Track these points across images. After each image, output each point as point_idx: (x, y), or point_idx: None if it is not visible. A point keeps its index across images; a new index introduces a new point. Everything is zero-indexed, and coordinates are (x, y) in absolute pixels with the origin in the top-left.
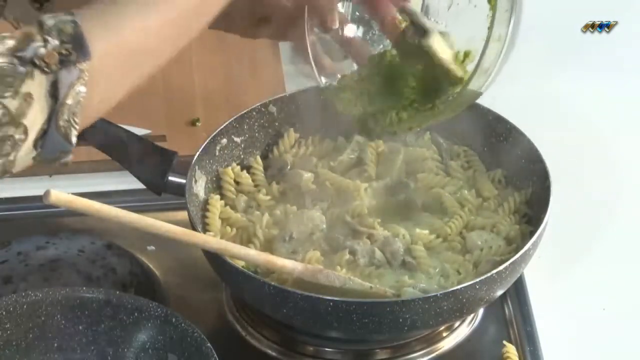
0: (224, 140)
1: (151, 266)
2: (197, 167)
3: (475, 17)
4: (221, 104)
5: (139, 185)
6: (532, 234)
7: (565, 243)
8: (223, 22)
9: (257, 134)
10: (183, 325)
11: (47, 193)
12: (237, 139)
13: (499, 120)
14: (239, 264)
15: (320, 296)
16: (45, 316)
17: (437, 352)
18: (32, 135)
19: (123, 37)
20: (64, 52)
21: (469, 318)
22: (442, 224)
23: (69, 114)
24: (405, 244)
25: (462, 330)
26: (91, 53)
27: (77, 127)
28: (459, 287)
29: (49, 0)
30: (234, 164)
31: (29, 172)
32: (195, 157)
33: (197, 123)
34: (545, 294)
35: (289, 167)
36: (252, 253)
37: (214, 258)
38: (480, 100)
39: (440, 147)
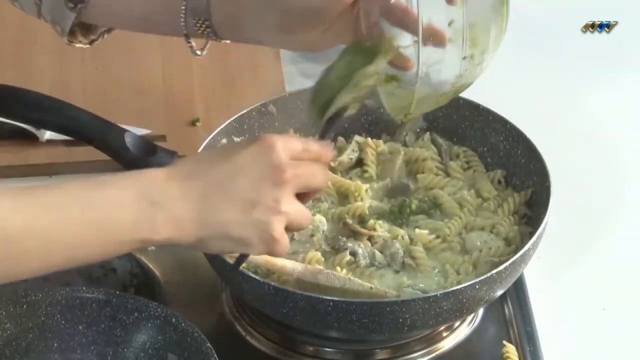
0: (224, 140)
1: (151, 266)
2: None
3: None
4: (221, 104)
5: None
6: (531, 234)
7: (565, 243)
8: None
9: (257, 134)
10: (183, 325)
11: None
12: (237, 139)
13: (499, 120)
14: None
15: (320, 296)
16: (45, 316)
17: (437, 352)
18: None
19: None
20: None
21: (469, 318)
22: (441, 225)
23: None
24: (405, 245)
25: (462, 330)
26: None
27: None
28: (459, 287)
29: (83, 2)
30: None
31: (29, 172)
32: None
33: (197, 123)
34: (545, 294)
35: None
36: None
37: (214, 258)
38: (480, 101)
39: (440, 148)
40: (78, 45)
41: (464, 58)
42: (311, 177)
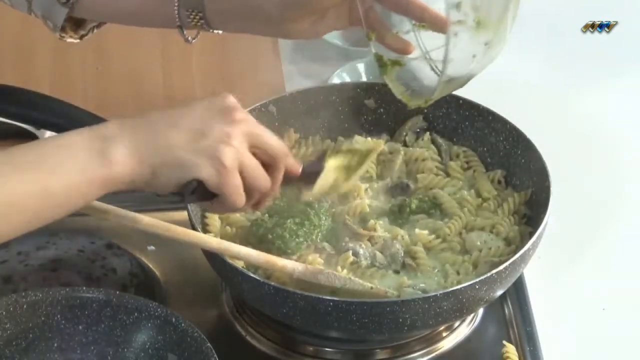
0: None
1: (151, 266)
2: None
3: None
4: None
5: None
6: (531, 234)
7: (565, 243)
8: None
9: None
10: (183, 325)
11: None
12: None
13: (499, 120)
14: (239, 264)
15: (320, 296)
16: (45, 316)
17: (437, 352)
18: None
19: None
20: None
21: (469, 318)
22: (441, 225)
23: None
24: (405, 245)
25: (462, 330)
26: None
27: None
28: (459, 287)
29: None
30: None
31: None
32: None
33: None
34: (545, 294)
35: None
36: (253, 253)
37: (214, 258)
38: (480, 101)
39: (440, 148)
40: (69, 40)
41: (486, 44)
42: (264, 137)
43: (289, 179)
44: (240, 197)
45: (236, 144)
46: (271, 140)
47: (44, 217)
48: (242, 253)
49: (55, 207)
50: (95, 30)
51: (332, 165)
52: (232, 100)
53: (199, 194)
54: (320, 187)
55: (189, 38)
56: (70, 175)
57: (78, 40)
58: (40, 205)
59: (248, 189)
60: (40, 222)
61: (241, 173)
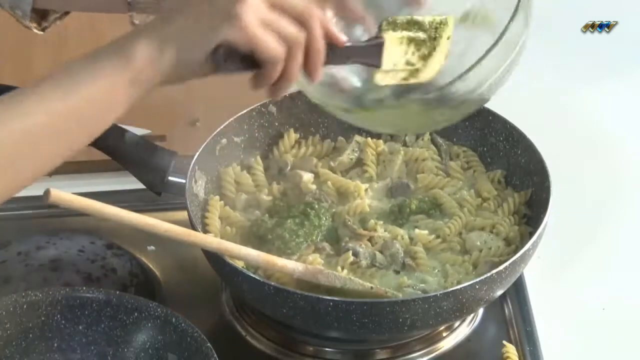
0: (224, 140)
1: (151, 266)
2: (197, 167)
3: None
4: (221, 104)
5: (139, 185)
6: (531, 234)
7: (565, 243)
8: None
9: (257, 134)
10: (183, 325)
11: (47, 192)
12: (237, 139)
13: (499, 120)
14: (239, 264)
15: (320, 296)
16: (45, 316)
17: (437, 352)
18: None
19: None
20: None
21: (469, 318)
22: (441, 225)
23: None
24: (405, 245)
25: (462, 330)
26: None
27: None
28: (459, 287)
29: None
30: (234, 164)
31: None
32: (195, 157)
33: (197, 123)
34: (545, 294)
35: (289, 167)
36: (253, 253)
37: (214, 258)
38: None
39: (440, 148)
40: (35, 30)
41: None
42: None
43: (341, 54)
44: (276, 46)
45: (250, 1)
46: (293, 2)
47: (77, 139)
48: (242, 253)
49: (86, 125)
50: (58, 22)
51: (395, 37)
52: None
53: (234, 62)
54: (390, 61)
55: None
56: (93, 86)
57: (41, 32)
58: (69, 125)
59: (283, 41)
60: (74, 144)
61: (266, 29)
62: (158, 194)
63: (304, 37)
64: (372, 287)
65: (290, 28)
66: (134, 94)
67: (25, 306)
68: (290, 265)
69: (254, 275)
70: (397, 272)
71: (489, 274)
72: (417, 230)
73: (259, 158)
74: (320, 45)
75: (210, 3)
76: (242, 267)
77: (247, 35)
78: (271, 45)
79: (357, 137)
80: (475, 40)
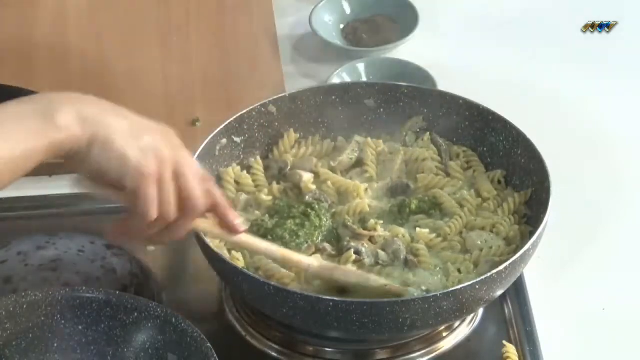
0: (224, 140)
1: (151, 266)
2: None
3: None
4: (221, 104)
5: None
6: (531, 234)
7: (565, 243)
8: None
9: (257, 134)
10: (183, 325)
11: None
12: (237, 139)
13: (499, 120)
14: (239, 264)
15: (320, 296)
16: (45, 316)
17: (437, 352)
18: None
19: None
20: None
21: (469, 318)
22: (441, 224)
23: None
24: (406, 243)
25: (462, 330)
26: None
27: None
28: (459, 287)
29: None
30: (234, 164)
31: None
32: (195, 157)
33: (197, 123)
34: (545, 294)
35: (289, 167)
36: (273, 248)
37: (214, 258)
38: (480, 101)
39: (440, 148)
40: None
41: None
42: (189, 178)
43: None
44: (152, 208)
45: (164, 159)
46: (193, 186)
47: None
48: (263, 247)
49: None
50: None
51: None
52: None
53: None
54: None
55: None
56: (17, 140)
57: None
58: None
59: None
60: None
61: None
62: None
63: (171, 219)
64: (386, 285)
65: (169, 206)
66: (44, 157)
67: (25, 306)
68: (305, 261)
69: (254, 275)
70: (401, 270)
71: (489, 274)
72: (417, 229)
73: (259, 158)
74: (180, 232)
75: (141, 134)
76: (242, 267)
77: (142, 183)
78: (150, 205)
79: (357, 137)
80: None
